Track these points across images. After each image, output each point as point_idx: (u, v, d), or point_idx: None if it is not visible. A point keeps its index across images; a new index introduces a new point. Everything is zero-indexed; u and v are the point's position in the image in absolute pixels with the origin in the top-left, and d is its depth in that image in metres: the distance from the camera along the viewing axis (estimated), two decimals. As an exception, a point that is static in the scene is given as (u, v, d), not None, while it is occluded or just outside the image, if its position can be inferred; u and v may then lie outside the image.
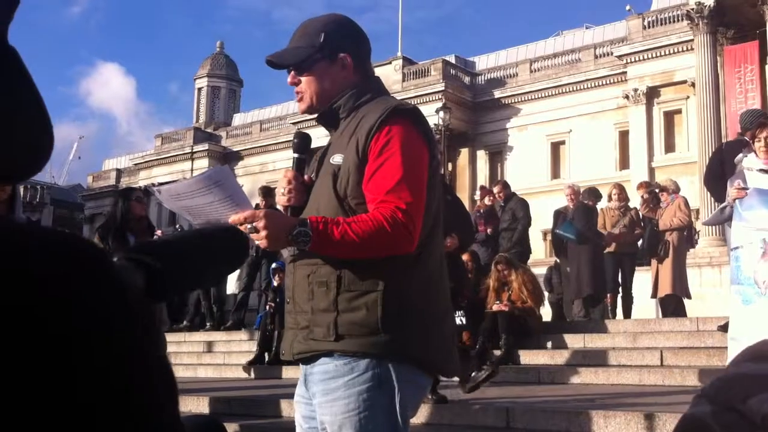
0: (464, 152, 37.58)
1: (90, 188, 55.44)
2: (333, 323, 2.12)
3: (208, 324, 13.32)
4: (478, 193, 12.60)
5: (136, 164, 51.30)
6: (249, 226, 2.03)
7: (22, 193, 34.97)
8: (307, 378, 2.24)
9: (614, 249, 11.05)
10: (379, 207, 2.09)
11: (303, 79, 2.28)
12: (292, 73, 2.29)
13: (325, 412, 2.15)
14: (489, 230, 11.04)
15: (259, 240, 2.04)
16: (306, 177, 2.31)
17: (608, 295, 11.39)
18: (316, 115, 2.36)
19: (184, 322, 13.63)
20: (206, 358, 11.95)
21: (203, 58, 57.82)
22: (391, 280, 2.13)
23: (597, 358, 8.35)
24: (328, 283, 2.13)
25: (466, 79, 38.68)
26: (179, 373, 7.71)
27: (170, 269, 0.87)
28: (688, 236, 11.49)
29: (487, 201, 11.60)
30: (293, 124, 39.14)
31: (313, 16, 2.35)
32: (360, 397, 2.11)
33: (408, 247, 2.12)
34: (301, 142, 2.36)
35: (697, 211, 22.66)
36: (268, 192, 11.53)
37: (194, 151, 47.32)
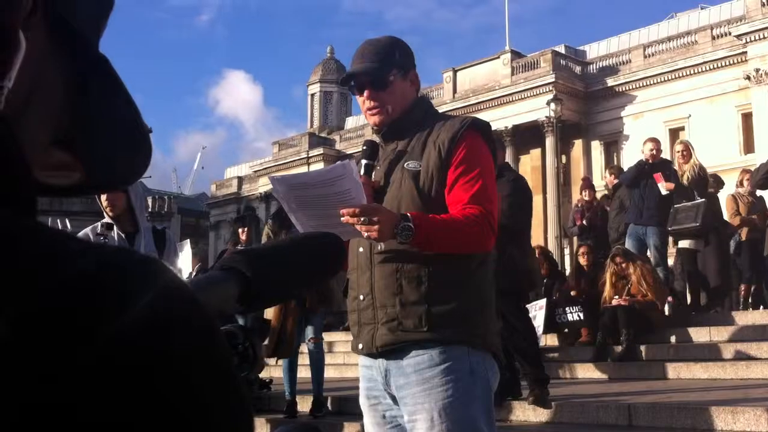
0: (578, 143, 36.82)
1: (214, 196, 57.40)
2: (424, 314, 2.27)
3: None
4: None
5: (255, 171, 52.75)
6: (363, 218, 2.13)
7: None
8: (390, 373, 2.34)
9: (748, 236, 10.57)
10: (467, 209, 2.26)
11: (381, 94, 2.43)
12: (369, 89, 2.43)
13: (422, 401, 2.26)
14: (584, 221, 10.98)
15: (371, 232, 2.15)
16: (374, 181, 2.44)
17: (742, 285, 10.89)
18: (376, 128, 2.52)
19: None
20: (327, 359, 12.19)
21: (315, 64, 58.98)
22: (472, 275, 2.35)
23: (724, 352, 8.06)
24: (419, 277, 2.28)
25: (577, 69, 37.88)
26: (301, 373, 7.95)
27: (262, 278, 0.87)
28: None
29: (586, 196, 11.53)
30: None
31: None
32: (457, 385, 2.25)
33: (490, 246, 2.36)
34: (371, 150, 2.49)
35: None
36: None
37: (310, 156, 48.30)
